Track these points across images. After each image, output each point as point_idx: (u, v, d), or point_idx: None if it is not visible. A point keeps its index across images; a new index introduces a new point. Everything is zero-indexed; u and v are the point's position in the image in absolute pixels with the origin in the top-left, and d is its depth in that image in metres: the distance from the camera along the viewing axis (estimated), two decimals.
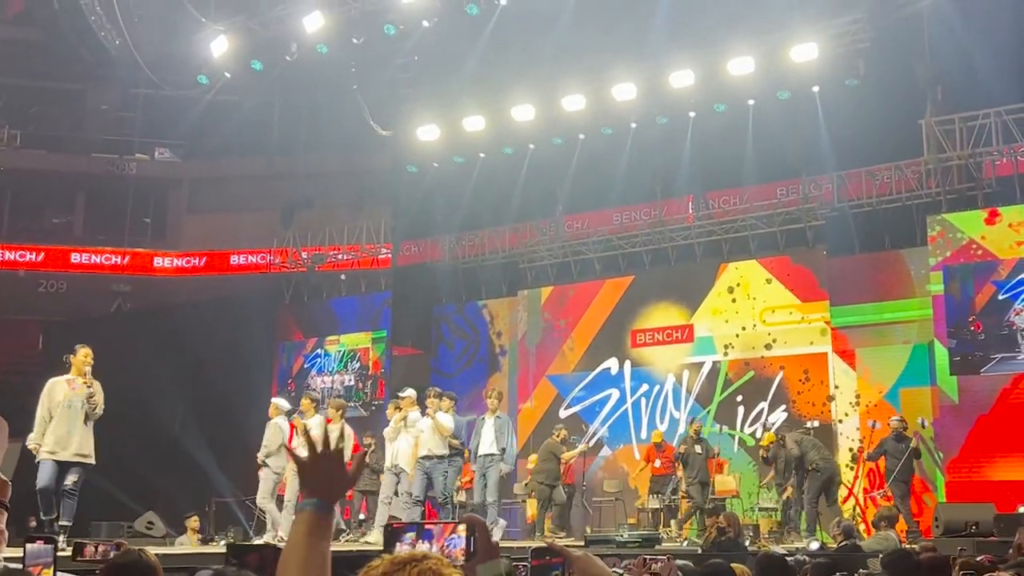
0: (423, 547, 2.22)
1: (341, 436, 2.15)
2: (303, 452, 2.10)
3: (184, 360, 19.76)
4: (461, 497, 15.08)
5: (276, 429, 12.08)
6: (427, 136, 20.52)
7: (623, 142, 18.96)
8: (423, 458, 12.09)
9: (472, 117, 19.86)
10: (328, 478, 2.05)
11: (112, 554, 4.33)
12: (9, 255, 25.34)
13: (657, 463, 15.70)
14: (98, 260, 25.97)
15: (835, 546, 11.46)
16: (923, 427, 14.69)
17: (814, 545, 11.59)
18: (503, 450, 12.61)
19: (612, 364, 18.96)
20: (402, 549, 2.24)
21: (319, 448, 2.08)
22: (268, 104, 22.11)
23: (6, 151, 24.30)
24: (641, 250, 19.13)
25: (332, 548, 2.05)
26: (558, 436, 15.08)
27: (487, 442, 12.68)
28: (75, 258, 26.06)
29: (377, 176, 22.29)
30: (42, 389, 9.71)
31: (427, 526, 2.35)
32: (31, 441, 9.44)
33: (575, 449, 15.60)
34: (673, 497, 15.26)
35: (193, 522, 15.11)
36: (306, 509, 2.03)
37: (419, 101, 20.27)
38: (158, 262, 26.01)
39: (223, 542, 10.23)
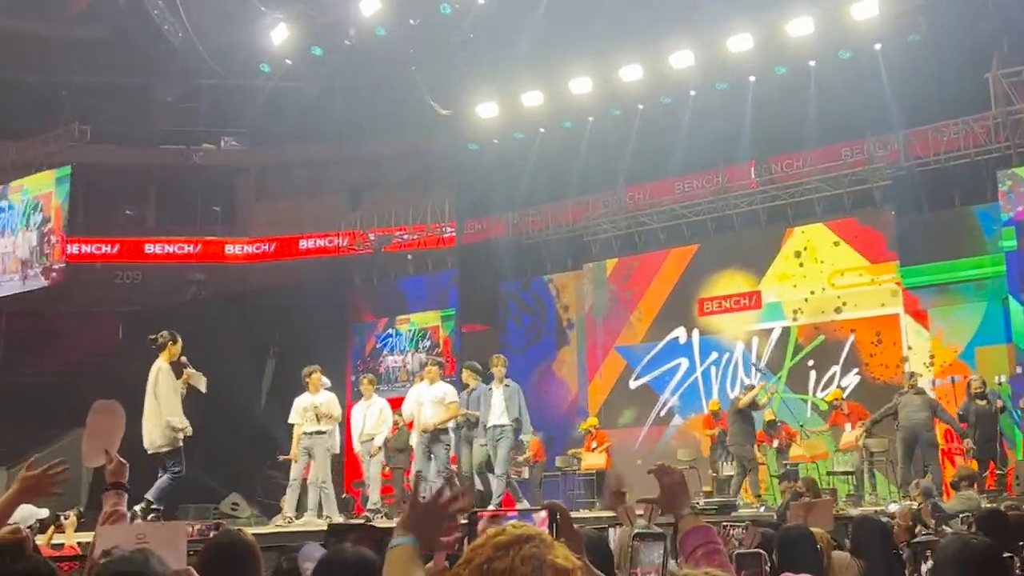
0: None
1: (455, 498, 2.20)
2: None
3: (260, 344, 20.22)
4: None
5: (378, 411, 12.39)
6: (486, 113, 20.62)
7: (682, 110, 18.87)
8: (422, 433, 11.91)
9: (530, 92, 19.91)
10: (433, 530, 2.18)
11: (211, 534, 4.48)
12: (85, 248, 26.05)
13: (716, 431, 15.66)
14: (171, 250, 26.58)
15: (915, 507, 11.39)
16: (1000, 384, 14.50)
17: (893, 507, 11.53)
18: (516, 420, 11.82)
19: (680, 333, 18.97)
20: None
21: (440, 500, 2.20)
22: (329, 89, 22.34)
23: (77, 147, 24.88)
24: (705, 218, 19.06)
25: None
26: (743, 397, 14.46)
27: (497, 412, 11.82)
28: (149, 249, 26.70)
29: (439, 156, 22.45)
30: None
31: (507, 511, 2.45)
32: (183, 422, 9.67)
33: (750, 393, 14.63)
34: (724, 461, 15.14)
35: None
36: (405, 544, 2.15)
37: (477, 79, 20.35)
38: (229, 249, 26.53)
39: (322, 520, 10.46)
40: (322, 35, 20.35)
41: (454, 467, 12.17)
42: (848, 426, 14.57)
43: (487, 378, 12.24)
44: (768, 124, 18.02)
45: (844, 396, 15.62)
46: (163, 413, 9.53)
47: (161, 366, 9.71)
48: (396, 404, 13.56)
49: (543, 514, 2.26)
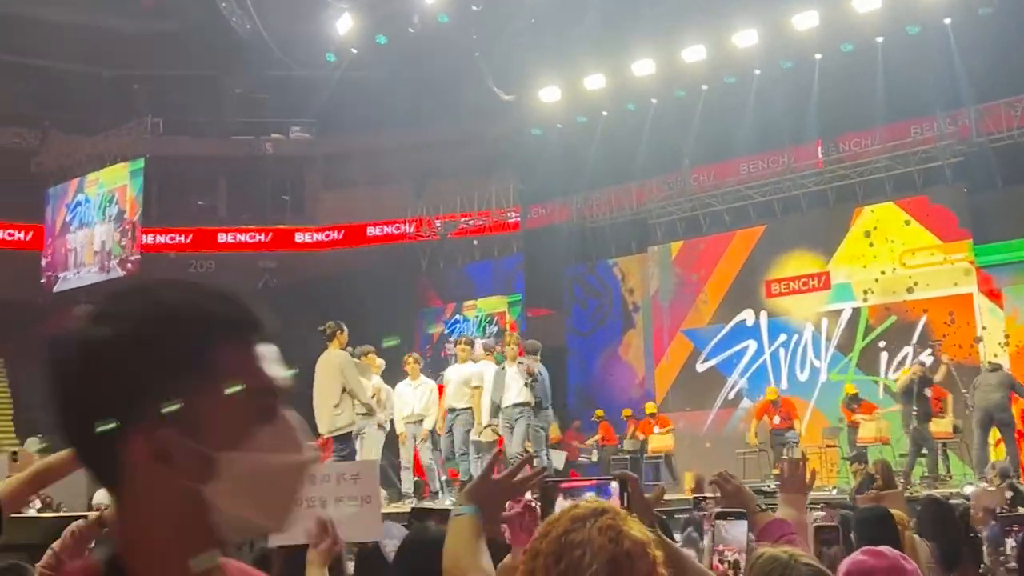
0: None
1: (529, 477, 2.20)
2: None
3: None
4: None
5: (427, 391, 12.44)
6: (549, 98, 20.65)
7: (747, 90, 18.69)
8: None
9: (593, 75, 19.89)
10: (499, 505, 2.26)
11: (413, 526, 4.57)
12: (160, 238, 26.69)
13: (776, 419, 15.53)
14: (243, 239, 27.13)
15: (993, 489, 11.21)
16: None
17: (968, 489, 11.37)
18: (537, 400, 11.49)
19: (748, 316, 18.84)
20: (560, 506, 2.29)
21: (515, 477, 2.25)
22: (394, 77, 22.58)
23: (150, 139, 25.50)
24: (771, 199, 18.86)
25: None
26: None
27: (514, 391, 11.43)
28: (222, 238, 27.27)
29: (503, 141, 22.54)
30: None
31: (583, 482, 2.45)
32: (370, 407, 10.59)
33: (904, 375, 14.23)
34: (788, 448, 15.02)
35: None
36: (469, 515, 2.19)
37: (539, 63, 20.37)
38: (299, 237, 26.99)
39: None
40: (386, 23, 20.55)
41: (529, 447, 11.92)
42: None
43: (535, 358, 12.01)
44: (834, 102, 17.76)
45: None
46: (360, 398, 10.28)
47: (341, 354, 10.35)
48: None
49: (615, 484, 2.29)
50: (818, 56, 18.10)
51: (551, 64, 20.24)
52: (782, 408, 15.55)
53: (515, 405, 11.41)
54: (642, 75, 19.35)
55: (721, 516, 2.77)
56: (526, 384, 11.38)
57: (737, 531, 2.72)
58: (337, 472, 3.14)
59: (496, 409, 11.70)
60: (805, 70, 18.20)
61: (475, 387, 11.77)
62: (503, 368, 11.67)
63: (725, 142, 18.74)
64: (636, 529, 1.74)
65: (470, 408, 11.81)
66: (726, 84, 19.02)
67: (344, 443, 10.11)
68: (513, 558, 2.61)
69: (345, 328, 10.41)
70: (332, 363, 10.18)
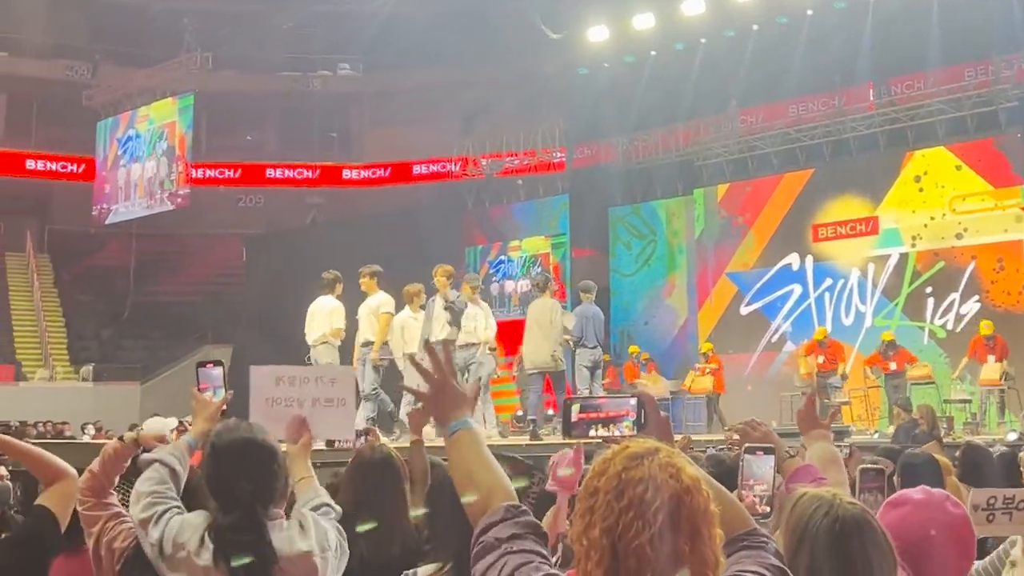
0: (602, 430, 2.28)
1: (448, 360, 2.14)
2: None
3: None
4: None
5: None
6: (597, 37, 20.46)
7: (798, 30, 18.39)
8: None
9: (642, 15, 19.66)
10: (453, 404, 2.10)
11: (362, 441, 4.74)
12: (209, 173, 27.00)
13: (820, 359, 15.48)
14: (291, 175, 27.37)
15: None
16: None
17: (1011, 436, 11.35)
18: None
19: (793, 259, 18.73)
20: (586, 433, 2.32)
21: (436, 378, 2.11)
22: (442, 14, 22.44)
23: (199, 74, 25.64)
24: (820, 142, 18.64)
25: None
26: None
27: (436, 328, 10.43)
28: (270, 173, 27.54)
29: (550, 80, 22.40)
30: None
31: (600, 398, 2.46)
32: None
33: None
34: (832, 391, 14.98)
35: None
36: (462, 429, 2.06)
37: (588, 2, 20.17)
38: (346, 174, 27.17)
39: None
40: None
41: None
42: (991, 358, 14.12)
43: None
44: (888, 44, 17.42)
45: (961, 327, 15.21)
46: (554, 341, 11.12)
47: (553, 303, 11.50)
48: (508, 329, 13.62)
49: (633, 401, 2.29)
50: None
51: (599, 2, 20.03)
52: (828, 349, 15.50)
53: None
54: (692, 15, 19.11)
55: (750, 451, 2.79)
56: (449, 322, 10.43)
57: (765, 466, 2.76)
58: (316, 375, 3.29)
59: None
60: (858, 10, 17.86)
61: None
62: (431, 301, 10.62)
63: (774, 84, 18.48)
64: (690, 467, 1.78)
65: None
66: (777, 24, 18.72)
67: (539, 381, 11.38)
68: (557, 511, 2.67)
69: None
70: (543, 309, 11.31)
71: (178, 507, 2.77)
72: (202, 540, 2.67)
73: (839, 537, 2.19)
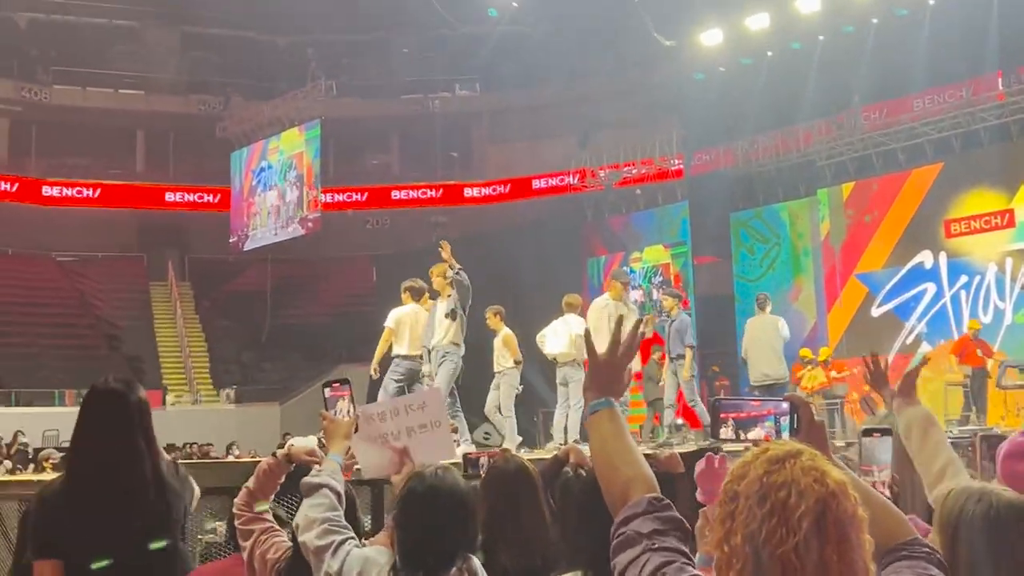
0: (752, 434, 2.16)
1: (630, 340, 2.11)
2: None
3: (503, 283, 20.97)
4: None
5: None
6: (711, 41, 20.37)
7: (920, 21, 17.96)
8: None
9: (756, 15, 19.50)
10: (617, 380, 2.10)
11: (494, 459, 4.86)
12: (338, 197, 27.89)
13: (978, 352, 14.94)
14: (415, 195, 28.06)
15: None
16: None
17: None
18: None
19: (925, 257, 18.20)
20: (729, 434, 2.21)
21: (618, 349, 2.10)
22: (554, 30, 22.71)
23: (325, 101, 26.57)
24: (949, 135, 18.10)
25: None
26: None
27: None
28: (395, 195, 28.31)
29: (665, 88, 22.39)
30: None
31: (750, 399, 2.31)
32: None
33: None
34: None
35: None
36: (603, 408, 2.05)
37: (700, 6, 20.09)
38: (468, 192, 27.68)
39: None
40: None
41: None
42: None
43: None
44: (1016, 30, 16.79)
45: None
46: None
47: (773, 319, 11.84)
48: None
49: (785, 405, 2.15)
50: None
51: (712, 6, 19.92)
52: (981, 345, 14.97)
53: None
54: (807, 12, 18.84)
55: (867, 433, 2.66)
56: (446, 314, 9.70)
57: (883, 449, 2.62)
58: (405, 404, 3.35)
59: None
60: None
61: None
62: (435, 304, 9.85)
63: (897, 78, 18.08)
64: (836, 470, 1.70)
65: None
66: (897, 16, 18.31)
67: None
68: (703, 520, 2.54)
69: None
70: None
71: (353, 538, 2.77)
72: None
73: (995, 524, 2.15)
